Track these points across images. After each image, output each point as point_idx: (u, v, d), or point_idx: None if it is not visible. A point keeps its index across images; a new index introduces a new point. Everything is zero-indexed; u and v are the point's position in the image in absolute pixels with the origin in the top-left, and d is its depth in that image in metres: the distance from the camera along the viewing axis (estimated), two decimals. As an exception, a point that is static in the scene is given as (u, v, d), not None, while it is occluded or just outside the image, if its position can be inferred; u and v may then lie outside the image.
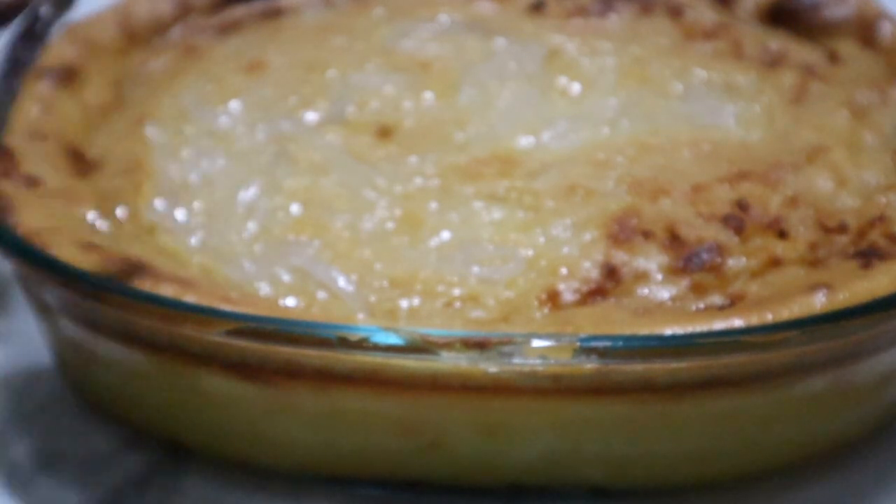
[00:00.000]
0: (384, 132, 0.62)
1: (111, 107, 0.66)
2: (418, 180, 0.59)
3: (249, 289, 0.55)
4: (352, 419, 0.53)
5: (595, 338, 0.49)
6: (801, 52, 0.67)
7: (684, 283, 0.54)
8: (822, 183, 0.59)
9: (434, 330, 0.50)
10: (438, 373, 0.51)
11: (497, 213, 0.57)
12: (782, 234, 0.56)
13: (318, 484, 0.56)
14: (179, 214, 0.59)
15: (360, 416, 0.53)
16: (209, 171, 0.60)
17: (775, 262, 0.55)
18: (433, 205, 0.58)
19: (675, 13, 0.70)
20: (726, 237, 0.56)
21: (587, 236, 0.56)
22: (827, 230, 0.57)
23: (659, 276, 0.55)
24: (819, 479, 0.56)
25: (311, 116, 0.63)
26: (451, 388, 0.51)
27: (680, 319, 0.51)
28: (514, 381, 0.51)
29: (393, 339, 0.49)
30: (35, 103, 0.64)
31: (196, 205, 0.59)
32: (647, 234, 0.56)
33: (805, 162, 0.60)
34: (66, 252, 0.54)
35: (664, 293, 0.54)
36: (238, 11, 0.72)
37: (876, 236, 0.56)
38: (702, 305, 0.53)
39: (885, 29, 0.68)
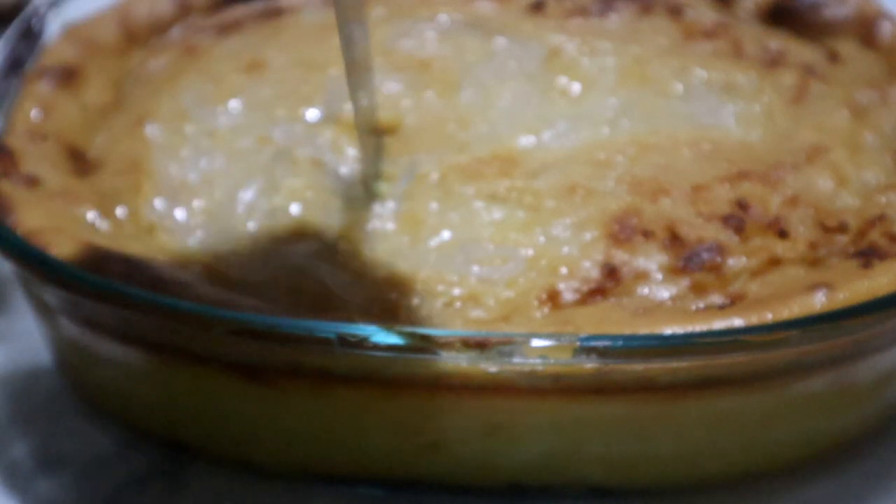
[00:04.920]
0: (385, 131, 0.62)
1: (111, 107, 0.66)
2: (419, 180, 0.59)
3: (249, 289, 0.55)
4: (352, 419, 0.53)
5: (595, 337, 0.49)
6: (801, 51, 0.67)
7: (684, 282, 0.54)
8: (822, 183, 0.59)
9: (434, 330, 0.50)
10: (438, 373, 0.51)
11: (497, 213, 0.57)
12: (782, 234, 0.56)
13: (318, 484, 0.56)
14: (179, 214, 0.59)
15: (360, 416, 0.53)
16: (209, 170, 0.60)
17: (775, 262, 0.55)
18: (433, 205, 0.58)
19: (675, 13, 0.70)
20: (726, 237, 0.56)
21: (587, 236, 0.56)
22: (827, 230, 0.57)
23: (659, 276, 0.55)
24: (819, 479, 0.56)
25: (310, 116, 0.63)
26: (451, 388, 0.51)
27: (680, 319, 0.51)
28: (514, 381, 0.51)
29: (393, 339, 0.49)
30: (35, 103, 0.64)
31: (196, 204, 0.59)
32: (647, 234, 0.56)
33: (805, 162, 0.60)
34: (66, 252, 0.54)
35: (664, 293, 0.54)
36: (238, 11, 0.72)
37: (876, 236, 0.56)
38: (702, 305, 0.53)
39: (885, 29, 0.68)
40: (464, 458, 0.54)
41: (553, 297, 0.54)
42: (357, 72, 0.56)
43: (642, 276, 0.54)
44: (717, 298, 0.54)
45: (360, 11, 0.56)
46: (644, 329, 0.51)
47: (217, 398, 0.55)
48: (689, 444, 0.54)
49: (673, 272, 0.55)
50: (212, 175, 0.60)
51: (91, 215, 0.58)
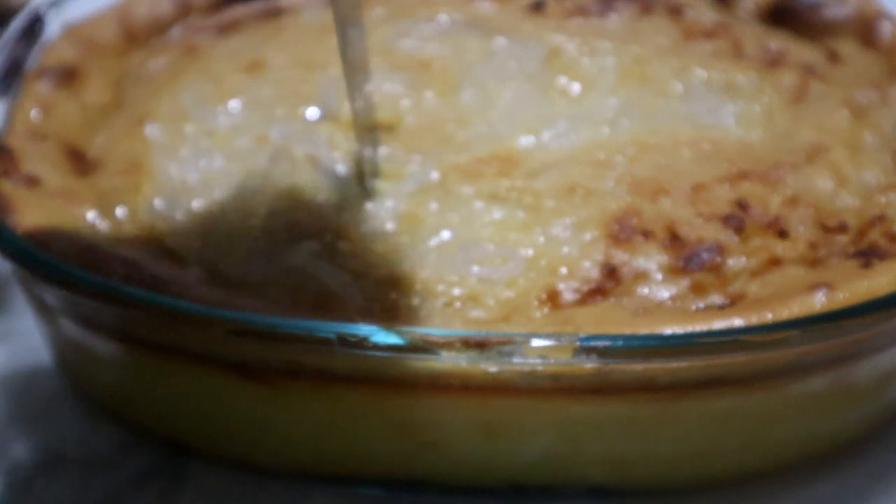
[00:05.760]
0: (385, 130, 0.62)
1: (111, 107, 0.66)
2: (419, 179, 0.59)
3: (249, 289, 0.55)
4: (352, 419, 0.53)
5: (595, 337, 0.49)
6: (801, 51, 0.67)
7: (684, 282, 0.54)
8: (822, 182, 0.59)
9: (434, 330, 0.50)
10: (438, 373, 0.51)
11: (497, 213, 0.57)
12: (782, 234, 0.56)
13: (318, 484, 0.56)
14: (179, 214, 0.59)
15: (360, 416, 0.53)
16: (208, 170, 0.60)
17: (775, 262, 0.55)
18: (433, 205, 0.58)
19: (675, 13, 0.70)
20: (726, 237, 0.56)
21: (587, 236, 0.56)
22: (827, 230, 0.57)
23: (659, 276, 0.55)
24: (819, 479, 0.56)
25: (310, 115, 0.63)
26: (451, 388, 0.51)
27: (680, 319, 0.51)
28: (514, 380, 0.51)
29: (393, 339, 0.49)
30: (35, 103, 0.64)
31: (195, 204, 0.59)
32: (647, 234, 0.56)
33: (805, 162, 0.60)
34: (66, 252, 0.54)
35: (664, 293, 0.54)
36: (238, 11, 0.72)
37: (876, 236, 0.56)
38: (702, 305, 0.53)
39: (885, 29, 0.68)
40: (464, 458, 0.54)
41: (553, 297, 0.54)
42: (354, 73, 0.56)
43: (642, 276, 0.54)
44: (717, 298, 0.54)
45: (358, 13, 0.56)
46: (644, 329, 0.51)
47: (217, 398, 0.55)
48: (689, 445, 0.54)
49: (673, 272, 0.55)
50: (211, 175, 0.60)
51: (91, 215, 0.58)
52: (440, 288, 0.54)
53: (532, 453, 0.54)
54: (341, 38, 0.53)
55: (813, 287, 0.52)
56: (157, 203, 0.59)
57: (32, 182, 0.59)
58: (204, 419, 0.56)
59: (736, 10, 0.71)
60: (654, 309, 0.53)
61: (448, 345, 0.49)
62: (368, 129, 0.60)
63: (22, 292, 0.61)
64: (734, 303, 0.53)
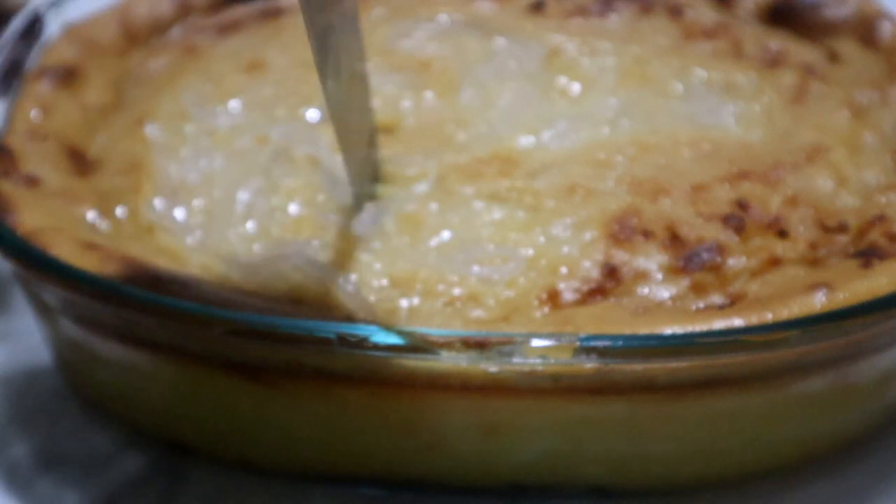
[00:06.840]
0: (384, 131, 0.62)
1: (111, 107, 0.66)
2: (419, 180, 0.59)
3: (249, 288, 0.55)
4: (352, 419, 0.53)
5: (595, 337, 0.49)
6: (801, 51, 0.67)
7: (684, 282, 0.54)
8: (822, 182, 0.59)
9: (434, 330, 0.50)
10: (438, 373, 0.51)
11: (497, 213, 0.57)
12: (782, 234, 0.56)
13: (318, 484, 0.56)
14: (179, 214, 0.59)
15: (360, 415, 0.53)
16: (208, 170, 0.60)
17: (775, 262, 0.55)
18: (433, 205, 0.58)
19: (675, 13, 0.70)
20: (726, 237, 0.56)
21: (587, 236, 0.56)
22: (827, 230, 0.57)
23: (659, 276, 0.55)
24: (819, 479, 0.56)
25: (310, 116, 0.63)
26: (451, 388, 0.51)
27: (680, 319, 0.51)
28: (514, 380, 0.51)
29: (393, 339, 0.49)
30: (35, 103, 0.64)
31: (195, 204, 0.59)
32: (647, 234, 0.56)
33: (805, 162, 0.60)
34: (66, 252, 0.54)
35: (664, 293, 0.54)
36: (238, 11, 0.72)
37: (876, 236, 0.56)
38: (702, 305, 0.53)
39: (885, 29, 0.68)
40: (464, 457, 0.54)
41: (553, 297, 0.54)
42: (339, 76, 0.56)
43: (642, 276, 0.54)
44: (717, 298, 0.54)
45: (347, 11, 0.54)
46: (644, 329, 0.51)
47: (217, 398, 0.55)
48: (689, 444, 0.54)
49: (673, 272, 0.55)
50: (211, 175, 0.60)
51: (91, 215, 0.58)
52: (440, 288, 0.54)
53: (532, 453, 0.54)
54: (315, 37, 0.50)
55: (813, 287, 0.52)
56: (157, 203, 0.59)
57: (32, 182, 0.59)
58: (204, 419, 0.56)
59: (736, 10, 0.71)
60: (654, 309, 0.53)
61: (448, 345, 0.49)
62: (368, 132, 0.60)
63: (22, 292, 0.61)
64: (734, 303, 0.53)
